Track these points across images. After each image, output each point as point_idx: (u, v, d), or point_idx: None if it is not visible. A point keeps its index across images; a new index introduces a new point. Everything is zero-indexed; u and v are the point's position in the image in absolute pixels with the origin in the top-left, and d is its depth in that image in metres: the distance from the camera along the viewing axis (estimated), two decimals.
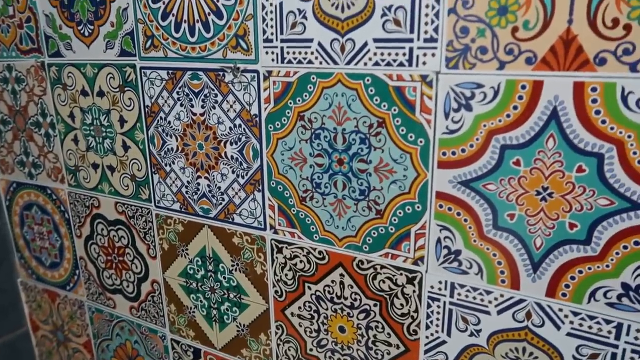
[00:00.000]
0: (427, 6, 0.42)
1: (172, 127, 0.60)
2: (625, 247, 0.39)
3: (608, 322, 0.41)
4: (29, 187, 0.80)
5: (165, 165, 0.63)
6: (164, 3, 0.56)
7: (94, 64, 0.65)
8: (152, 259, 0.69)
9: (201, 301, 0.66)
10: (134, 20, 0.59)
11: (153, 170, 0.64)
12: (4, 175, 0.83)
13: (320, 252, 0.54)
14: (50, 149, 0.74)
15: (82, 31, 0.64)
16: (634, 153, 0.37)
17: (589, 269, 0.41)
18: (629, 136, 0.37)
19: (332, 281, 0.54)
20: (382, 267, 0.51)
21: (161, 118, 0.61)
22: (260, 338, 0.62)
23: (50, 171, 0.76)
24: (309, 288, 0.56)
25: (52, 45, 0.68)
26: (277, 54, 0.50)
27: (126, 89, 0.63)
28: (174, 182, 0.63)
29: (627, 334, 0.40)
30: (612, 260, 0.40)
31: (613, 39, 0.36)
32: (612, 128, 0.37)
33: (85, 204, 0.74)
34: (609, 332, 0.41)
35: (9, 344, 0.90)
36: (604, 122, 0.37)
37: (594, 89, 0.37)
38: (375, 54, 0.45)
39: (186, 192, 0.62)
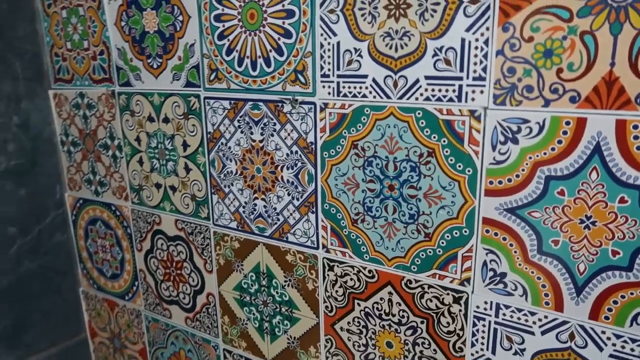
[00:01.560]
0: (476, 48, 0.45)
1: (232, 152, 0.66)
2: None
3: None
4: (95, 204, 0.87)
5: (225, 186, 0.68)
6: (228, 40, 0.62)
7: (160, 94, 0.71)
8: (209, 273, 0.74)
9: (254, 314, 0.71)
10: (200, 55, 0.65)
11: (212, 191, 0.70)
12: (72, 192, 0.90)
13: (370, 271, 0.58)
14: (116, 169, 0.81)
15: (151, 64, 0.71)
16: None
17: (632, 294, 0.43)
18: None
19: (381, 299, 0.58)
20: (430, 286, 0.54)
21: (222, 143, 0.66)
22: (309, 351, 0.66)
23: (115, 189, 0.82)
24: (359, 304, 0.60)
25: (123, 76, 0.75)
26: (333, 88, 0.55)
27: (190, 116, 0.69)
28: (232, 202, 0.68)
29: None
30: None
31: None
32: None
33: (147, 220, 0.79)
34: None
35: (69, 349, 0.96)
36: None
37: (635, 127, 0.40)
38: (426, 89, 0.49)
39: (243, 212, 0.67)
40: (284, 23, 0.56)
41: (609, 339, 0.45)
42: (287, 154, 0.61)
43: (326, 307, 0.63)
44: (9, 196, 0.83)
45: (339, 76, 0.54)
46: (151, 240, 0.80)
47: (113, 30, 0.73)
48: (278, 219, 0.64)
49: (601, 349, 0.45)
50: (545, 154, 0.44)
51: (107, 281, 0.90)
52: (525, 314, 0.49)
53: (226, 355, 0.76)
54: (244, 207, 0.67)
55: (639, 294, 0.43)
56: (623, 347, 0.44)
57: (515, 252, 0.48)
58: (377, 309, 0.58)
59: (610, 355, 0.45)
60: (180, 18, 0.65)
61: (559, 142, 0.43)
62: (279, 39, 0.57)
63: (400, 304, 0.56)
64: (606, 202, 0.42)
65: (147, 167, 0.76)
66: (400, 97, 0.51)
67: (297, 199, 0.61)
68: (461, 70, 0.47)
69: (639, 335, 0.43)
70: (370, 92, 0.52)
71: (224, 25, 0.62)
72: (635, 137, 0.40)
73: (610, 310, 0.44)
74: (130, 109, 0.75)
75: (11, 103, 0.81)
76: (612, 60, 0.40)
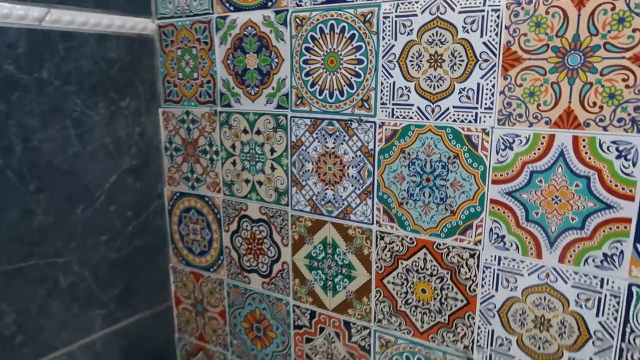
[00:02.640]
0: (487, 89, 0.72)
1: (310, 155, 0.92)
2: (604, 231, 0.67)
3: (595, 277, 0.68)
4: (190, 196, 1.13)
5: (302, 181, 0.94)
6: (312, 77, 0.89)
7: (255, 113, 0.98)
8: (285, 246, 1.00)
9: (320, 275, 0.96)
10: (290, 86, 0.92)
11: (292, 184, 0.96)
12: (170, 187, 1.16)
13: (410, 239, 0.83)
14: (212, 169, 1.07)
15: (249, 92, 0.98)
16: (607, 176, 0.65)
17: (584, 244, 0.68)
18: (604, 166, 0.65)
19: (418, 258, 0.83)
20: (453, 247, 0.79)
21: (302, 149, 0.93)
22: (363, 300, 0.91)
23: (209, 185, 1.09)
24: (401, 263, 0.85)
25: (224, 99, 1.02)
26: (389, 112, 0.81)
27: (278, 129, 0.95)
28: (307, 192, 0.94)
29: (607, 284, 0.67)
30: (596, 239, 0.67)
31: (593, 113, 0.65)
32: (594, 162, 0.66)
33: (235, 207, 1.05)
34: (596, 283, 0.68)
35: (160, 313, 1.21)
36: (589, 158, 0.66)
37: (583, 140, 0.66)
38: (453, 114, 0.75)
39: (316, 199, 0.93)
40: (355, 67, 0.83)
41: (570, 275, 0.70)
42: (353, 157, 0.87)
43: (377, 266, 0.88)
44: (130, 188, 1.09)
45: (393, 104, 0.81)
46: (238, 222, 1.06)
47: (220, 67, 1.01)
48: (343, 204, 0.90)
49: (566, 282, 0.70)
50: (530, 156, 0.70)
51: (195, 257, 1.16)
52: (517, 262, 0.74)
53: (295, 309, 1.01)
54: (317, 195, 0.93)
55: (587, 244, 0.68)
56: (579, 279, 0.69)
57: (511, 221, 0.73)
58: (415, 265, 0.84)
59: (572, 286, 0.70)
60: (276, 60, 0.92)
61: (539, 149, 0.69)
62: (351, 78, 0.84)
63: (432, 261, 0.82)
64: (567, 187, 0.68)
65: (239, 167, 1.03)
66: (436, 119, 0.77)
67: (359, 189, 0.87)
68: (477, 102, 0.73)
69: (589, 271, 0.68)
70: (415, 115, 0.79)
71: (309, 67, 0.89)
72: (584, 146, 0.66)
73: (571, 256, 0.70)
74: (229, 124, 1.02)
75: (135, 117, 1.08)
76: (569, 99, 0.66)
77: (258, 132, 0.98)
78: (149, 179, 1.13)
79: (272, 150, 0.97)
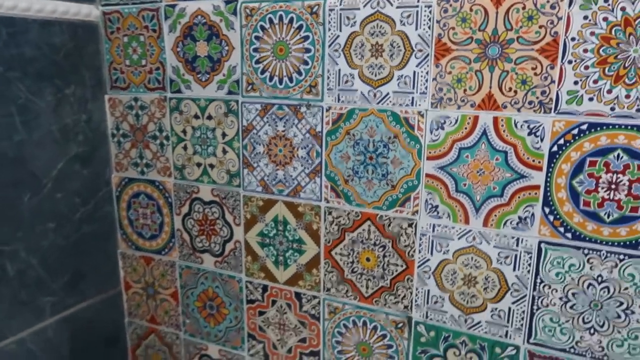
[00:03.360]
0: (421, 76, 0.81)
1: (261, 138, 0.98)
2: (518, 197, 0.79)
3: (512, 237, 0.80)
4: (140, 181, 1.15)
5: (254, 163, 1.00)
6: (262, 64, 0.94)
7: (207, 99, 1.02)
8: (237, 225, 1.05)
9: (271, 251, 1.02)
10: (240, 73, 0.97)
11: (244, 166, 1.01)
12: (118, 173, 1.18)
13: (356, 213, 0.92)
14: (162, 154, 1.10)
15: (200, 78, 1.02)
16: (521, 150, 0.77)
17: (503, 210, 0.80)
18: (518, 142, 0.77)
19: (363, 229, 0.92)
20: (394, 218, 0.89)
21: (254, 133, 0.98)
22: (312, 272, 0.99)
23: (160, 169, 1.11)
24: (348, 235, 0.94)
25: (175, 86, 1.05)
26: (335, 97, 0.89)
27: (229, 114, 1.00)
28: (259, 173, 1.00)
29: (522, 242, 0.80)
30: (513, 204, 0.79)
31: (509, 97, 0.76)
32: (510, 138, 0.77)
33: (187, 190, 1.09)
34: (513, 243, 0.80)
35: (110, 298, 1.22)
36: (507, 135, 0.77)
37: (502, 120, 0.77)
38: (393, 98, 0.84)
39: (267, 180, 0.99)
40: (303, 55, 0.90)
41: (492, 236, 0.82)
42: (302, 139, 0.94)
43: (325, 240, 0.96)
44: (77, 175, 1.09)
45: (339, 90, 0.88)
46: (189, 205, 1.10)
47: (169, 54, 1.04)
48: (293, 183, 0.97)
49: (489, 243, 0.82)
50: (458, 135, 0.81)
51: (145, 241, 1.18)
52: (449, 229, 0.85)
53: (247, 285, 1.07)
54: (268, 176, 0.99)
55: (506, 209, 0.80)
56: (500, 240, 0.81)
57: (443, 192, 0.84)
58: (360, 236, 0.92)
59: (494, 246, 0.82)
60: (227, 48, 0.97)
61: (465, 128, 0.80)
62: (299, 65, 0.91)
63: (375, 232, 0.91)
64: (489, 160, 0.79)
65: (190, 152, 1.07)
66: (378, 103, 0.86)
67: (308, 169, 0.95)
68: (413, 88, 0.83)
69: (507, 233, 0.80)
70: (359, 100, 0.87)
71: (259, 55, 0.94)
72: (502, 125, 0.77)
73: (493, 220, 0.81)
74: (180, 110, 1.05)
75: (82, 104, 1.09)
76: (490, 85, 0.77)
77: (209, 117, 1.02)
78: (96, 165, 1.14)
79: (224, 135, 1.02)
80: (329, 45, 0.87)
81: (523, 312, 0.82)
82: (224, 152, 1.03)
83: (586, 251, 0.76)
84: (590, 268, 0.76)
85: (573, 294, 0.78)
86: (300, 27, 0.89)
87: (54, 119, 1.03)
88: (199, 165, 1.06)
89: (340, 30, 0.86)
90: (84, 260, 1.14)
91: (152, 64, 1.06)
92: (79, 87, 1.08)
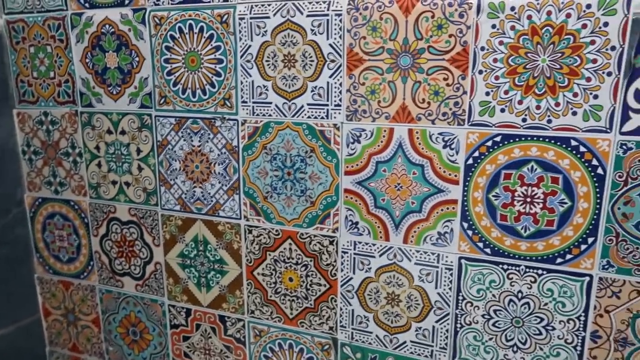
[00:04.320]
0: (335, 87, 0.78)
1: (177, 154, 0.92)
2: (437, 212, 0.75)
3: (433, 253, 0.77)
4: (54, 201, 1.07)
5: (170, 180, 0.94)
6: (174, 76, 0.89)
7: (119, 113, 0.95)
8: (156, 246, 0.99)
9: (193, 273, 0.97)
10: (152, 85, 0.91)
11: (161, 183, 0.95)
12: (31, 193, 1.09)
13: (276, 231, 0.87)
14: (76, 172, 1.03)
15: (111, 91, 0.95)
16: (437, 164, 0.74)
17: (422, 225, 0.77)
18: (434, 155, 0.74)
19: (284, 248, 0.87)
20: (315, 236, 0.84)
21: (169, 149, 0.93)
22: (235, 293, 0.94)
23: (74, 188, 1.04)
24: (269, 254, 0.89)
25: (85, 99, 0.98)
26: (250, 110, 0.84)
27: (143, 129, 0.94)
28: (176, 191, 0.94)
29: (442, 259, 0.77)
30: (432, 220, 0.76)
31: (423, 108, 0.73)
32: (426, 151, 0.74)
33: (104, 210, 1.02)
34: (434, 259, 0.77)
35: (27, 327, 1.14)
36: (423, 149, 0.74)
37: (417, 132, 0.74)
38: (308, 111, 0.80)
39: (185, 197, 0.94)
40: (215, 67, 0.85)
41: (413, 253, 0.78)
42: (218, 154, 0.89)
43: (247, 259, 0.91)
44: None
45: (253, 102, 0.84)
46: (107, 226, 1.03)
47: (78, 65, 0.97)
48: (212, 200, 0.91)
49: (410, 260, 0.79)
50: (375, 148, 0.77)
51: (63, 265, 1.10)
52: (370, 246, 0.81)
53: (170, 308, 1.01)
54: (185, 194, 0.93)
55: (425, 225, 0.77)
56: (421, 257, 0.78)
57: (362, 208, 0.80)
58: (282, 255, 0.88)
59: (415, 263, 0.79)
60: (137, 59, 0.91)
61: (381, 141, 0.77)
62: (212, 77, 0.86)
63: (296, 250, 0.86)
64: (407, 175, 0.76)
65: (105, 169, 1.00)
66: (293, 116, 0.82)
67: (226, 185, 0.89)
68: (327, 100, 0.79)
69: (427, 249, 0.77)
70: (274, 112, 0.83)
71: (171, 66, 0.89)
72: (417, 138, 0.74)
73: (412, 236, 0.78)
74: (92, 124, 0.99)
75: None
76: (404, 96, 0.74)
77: (123, 132, 0.96)
78: (5, 185, 1.06)
79: (139, 150, 0.96)
80: (241, 56, 0.83)
81: (447, 330, 0.79)
82: (140, 169, 0.96)
83: (505, 267, 0.73)
84: (511, 284, 0.74)
85: (495, 311, 0.75)
86: (211, 37, 0.84)
87: None
88: (114, 183, 1.00)
89: (252, 40, 0.81)
90: None
91: (60, 76, 0.99)
92: None
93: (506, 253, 0.73)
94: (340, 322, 0.86)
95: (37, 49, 1.00)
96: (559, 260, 0.70)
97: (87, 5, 0.93)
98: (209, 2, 0.83)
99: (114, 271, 1.05)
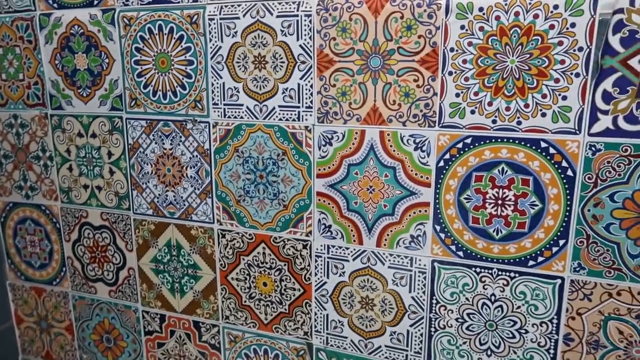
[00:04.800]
0: (306, 89, 0.77)
1: (148, 157, 0.90)
2: (410, 215, 0.75)
3: (406, 257, 0.76)
4: (25, 206, 1.05)
5: (142, 184, 0.92)
6: (145, 78, 0.87)
7: (89, 115, 0.94)
8: (129, 251, 0.97)
9: (167, 278, 0.95)
10: (123, 88, 0.89)
11: (132, 187, 0.93)
12: (2, 198, 1.07)
13: (250, 235, 0.86)
14: (47, 175, 1.01)
15: (81, 93, 0.93)
16: (408, 166, 0.73)
17: (395, 228, 0.76)
18: (406, 158, 0.73)
19: (258, 252, 0.86)
20: (288, 240, 0.83)
21: (140, 152, 0.91)
22: (210, 299, 0.92)
23: (45, 192, 1.02)
24: (243, 259, 0.87)
25: (55, 102, 0.96)
26: (221, 112, 0.83)
27: (114, 132, 0.92)
28: (148, 195, 0.92)
29: (416, 262, 0.76)
30: (405, 223, 0.75)
31: (394, 110, 0.72)
32: (398, 154, 0.73)
33: (75, 215, 1.00)
34: (407, 262, 0.76)
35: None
36: (394, 151, 0.73)
37: (388, 134, 0.73)
38: (279, 113, 0.79)
39: (157, 201, 0.92)
40: (186, 68, 0.84)
41: (387, 257, 0.77)
42: (190, 158, 0.87)
43: (221, 264, 0.90)
44: None
45: (224, 104, 0.82)
46: (79, 231, 1.01)
47: (47, 67, 0.95)
48: (184, 204, 0.90)
49: (383, 264, 0.78)
50: (346, 151, 0.76)
51: (35, 271, 1.08)
52: (343, 249, 0.80)
53: (144, 315, 0.99)
54: (158, 197, 0.92)
55: (398, 228, 0.76)
56: (394, 260, 0.77)
57: (335, 211, 0.79)
58: (256, 260, 0.86)
59: (389, 267, 0.78)
60: (107, 61, 0.89)
61: (353, 144, 0.76)
62: (182, 79, 0.84)
63: (270, 255, 0.85)
64: (379, 177, 0.75)
65: (76, 173, 0.98)
66: (264, 118, 0.80)
67: (198, 189, 0.88)
68: (299, 102, 0.77)
69: (401, 252, 0.76)
70: (245, 115, 0.81)
71: (141, 67, 0.87)
72: (389, 140, 0.73)
73: (386, 239, 0.77)
74: (62, 127, 0.96)
75: None
76: (375, 98, 0.73)
77: (93, 135, 0.94)
78: None
79: (110, 154, 0.94)
80: (212, 57, 0.81)
81: (421, 334, 0.78)
82: (111, 172, 0.95)
83: (478, 270, 0.73)
84: (484, 287, 0.73)
85: (468, 315, 0.75)
86: (181, 38, 0.83)
87: None
88: (86, 187, 0.98)
89: (222, 41, 0.80)
90: None
91: (30, 78, 0.97)
92: None
93: (479, 256, 0.72)
94: (315, 327, 0.85)
95: (6, 50, 0.98)
96: (531, 262, 0.70)
97: (55, 5, 0.91)
98: (179, 2, 0.81)
99: (87, 277, 1.03)
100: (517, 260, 0.70)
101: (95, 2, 0.88)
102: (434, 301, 0.76)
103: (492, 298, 0.73)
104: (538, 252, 0.69)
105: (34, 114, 0.99)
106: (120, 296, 1.00)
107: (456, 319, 0.75)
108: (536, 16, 0.63)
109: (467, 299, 0.74)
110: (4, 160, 1.04)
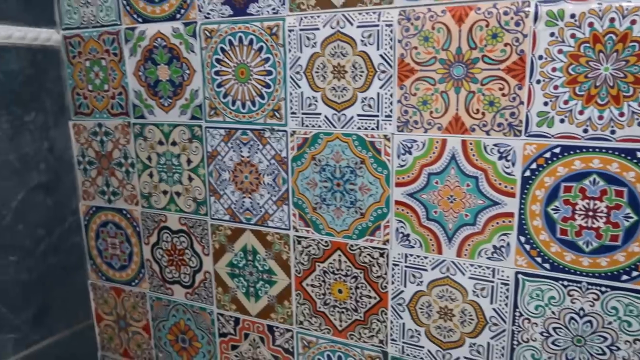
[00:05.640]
0: (386, 98, 0.77)
1: (226, 165, 0.93)
2: (492, 225, 0.73)
3: (488, 268, 0.75)
4: (107, 210, 1.11)
5: (220, 190, 0.95)
6: (224, 88, 0.90)
7: (170, 124, 0.98)
8: (206, 255, 1.00)
9: (242, 282, 0.97)
10: (203, 97, 0.93)
11: (210, 194, 0.97)
12: (85, 202, 1.13)
13: (325, 242, 0.87)
14: (129, 181, 1.06)
15: (162, 103, 0.97)
16: (492, 176, 0.72)
17: (477, 238, 0.75)
18: (489, 167, 0.72)
19: (334, 259, 0.87)
20: (365, 247, 0.84)
21: (219, 159, 0.94)
22: (284, 304, 0.94)
23: (127, 197, 1.07)
24: (318, 265, 0.89)
25: (137, 111, 1.01)
26: (299, 121, 0.85)
27: (194, 140, 0.96)
28: (225, 201, 0.95)
29: (498, 273, 0.74)
30: (487, 233, 0.74)
31: (477, 119, 0.71)
32: (480, 163, 0.72)
33: (155, 219, 1.05)
34: (489, 274, 0.75)
35: (80, 332, 1.17)
36: (477, 160, 0.72)
37: (471, 143, 0.72)
38: (358, 122, 0.80)
39: (234, 208, 0.95)
40: (265, 78, 0.86)
41: (467, 267, 0.76)
42: (267, 165, 0.89)
43: (296, 270, 0.91)
44: (40, 205, 1.05)
45: (303, 113, 0.84)
46: (157, 234, 1.05)
47: (131, 78, 0.99)
48: (261, 211, 0.92)
49: (464, 274, 0.77)
50: (427, 160, 0.76)
51: (115, 272, 1.13)
52: (421, 259, 0.80)
53: (219, 317, 1.02)
54: (235, 204, 0.94)
55: (480, 238, 0.75)
56: (475, 271, 0.76)
57: (414, 220, 0.79)
58: (331, 267, 0.87)
59: (469, 277, 0.77)
60: (188, 72, 0.93)
61: (434, 153, 0.75)
62: (261, 89, 0.86)
63: (346, 262, 0.86)
64: (460, 186, 0.74)
65: (156, 179, 1.02)
66: (343, 127, 0.81)
67: (275, 196, 0.90)
68: (378, 111, 0.78)
69: (482, 263, 0.75)
70: (323, 124, 0.83)
71: (221, 78, 0.90)
72: (471, 149, 0.72)
73: (466, 250, 0.76)
74: (144, 135, 1.01)
75: (43, 131, 1.04)
76: (457, 107, 0.72)
77: (174, 143, 0.98)
78: (61, 194, 1.10)
79: (189, 161, 0.97)
80: (291, 67, 0.83)
81: (503, 347, 0.76)
82: (190, 179, 0.98)
83: (566, 283, 0.70)
84: (571, 301, 0.71)
85: (554, 329, 0.73)
86: (260, 49, 0.85)
87: (12, 148, 0.99)
88: (165, 193, 1.02)
89: (301, 52, 0.81)
90: (50, 293, 1.09)
91: (114, 88, 1.02)
92: (40, 113, 1.04)
93: (567, 269, 0.70)
94: (391, 335, 0.85)
95: (92, 63, 1.03)
96: (625, 277, 0.67)
97: (140, 20, 0.95)
98: (259, 14, 0.84)
99: (164, 279, 1.07)
100: (609, 274, 0.68)
101: (178, 16, 0.91)
102: (517, 314, 0.74)
103: (581, 312, 0.70)
104: (632, 267, 0.66)
105: (117, 123, 1.04)
106: (196, 298, 1.04)
107: (541, 333, 0.74)
108: (634, 22, 0.61)
109: (553, 312, 0.72)
110: (89, 166, 1.10)
